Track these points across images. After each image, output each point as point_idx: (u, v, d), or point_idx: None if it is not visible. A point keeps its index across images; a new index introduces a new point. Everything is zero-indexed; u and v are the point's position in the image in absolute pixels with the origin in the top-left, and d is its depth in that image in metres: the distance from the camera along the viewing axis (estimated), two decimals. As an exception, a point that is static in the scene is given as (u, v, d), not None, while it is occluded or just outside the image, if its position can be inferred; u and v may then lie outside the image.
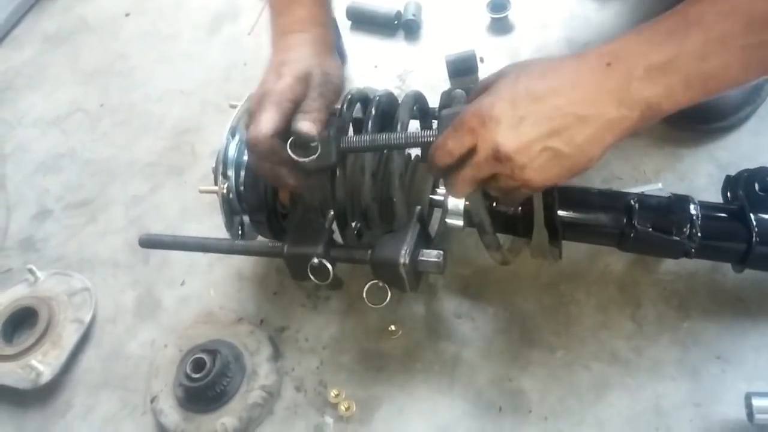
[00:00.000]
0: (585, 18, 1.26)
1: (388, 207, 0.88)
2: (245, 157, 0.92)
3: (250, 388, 0.93)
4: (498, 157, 0.68)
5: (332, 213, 0.88)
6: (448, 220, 0.87)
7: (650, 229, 0.82)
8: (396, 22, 1.34)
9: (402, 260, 0.81)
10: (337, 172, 0.88)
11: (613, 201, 0.86)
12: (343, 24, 1.35)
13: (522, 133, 0.66)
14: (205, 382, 0.91)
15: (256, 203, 0.91)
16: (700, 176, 1.02)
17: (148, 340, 1.06)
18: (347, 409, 0.90)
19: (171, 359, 0.99)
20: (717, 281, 0.92)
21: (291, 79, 0.79)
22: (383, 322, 0.97)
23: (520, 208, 0.87)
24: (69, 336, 1.06)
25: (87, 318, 1.08)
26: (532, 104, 0.66)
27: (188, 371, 0.92)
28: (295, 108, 0.78)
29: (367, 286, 0.87)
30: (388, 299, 0.85)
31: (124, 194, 1.27)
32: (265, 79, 0.82)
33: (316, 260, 0.83)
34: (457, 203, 0.86)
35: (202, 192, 0.93)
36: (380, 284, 0.85)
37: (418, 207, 0.87)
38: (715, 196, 0.96)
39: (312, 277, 0.85)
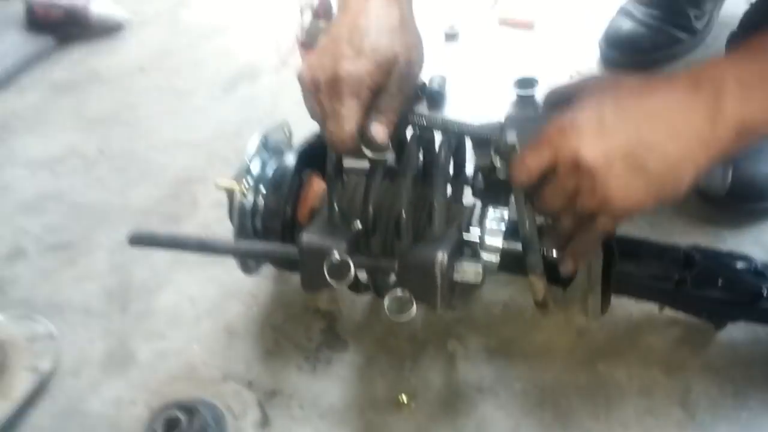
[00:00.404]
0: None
1: (422, 218, 0.78)
2: (270, 169, 0.88)
3: (231, 456, 0.78)
4: (578, 166, 0.59)
5: (358, 221, 0.76)
6: (483, 255, 0.76)
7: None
8: (419, 93, 1.31)
9: (440, 258, 0.69)
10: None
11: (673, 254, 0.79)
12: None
13: (606, 143, 0.59)
14: (178, 443, 0.76)
15: (275, 207, 0.85)
16: (747, 259, 0.93)
17: (112, 397, 0.91)
18: (346, 491, 0.75)
19: (138, 419, 0.84)
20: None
21: (372, 65, 0.67)
22: (393, 392, 0.84)
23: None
24: (21, 386, 0.91)
25: (46, 367, 0.94)
26: (618, 115, 0.59)
27: (158, 431, 0.77)
28: (372, 98, 0.68)
29: (389, 295, 0.72)
30: (413, 311, 0.71)
31: (110, 240, 1.15)
32: (337, 44, 0.68)
33: (337, 256, 0.70)
34: (494, 238, 0.76)
35: (218, 187, 0.86)
36: (405, 294, 0.72)
37: (458, 221, 0.78)
38: None
39: (329, 278, 0.71)
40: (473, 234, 0.78)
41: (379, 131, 0.68)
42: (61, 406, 0.91)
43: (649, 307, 0.87)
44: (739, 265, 0.78)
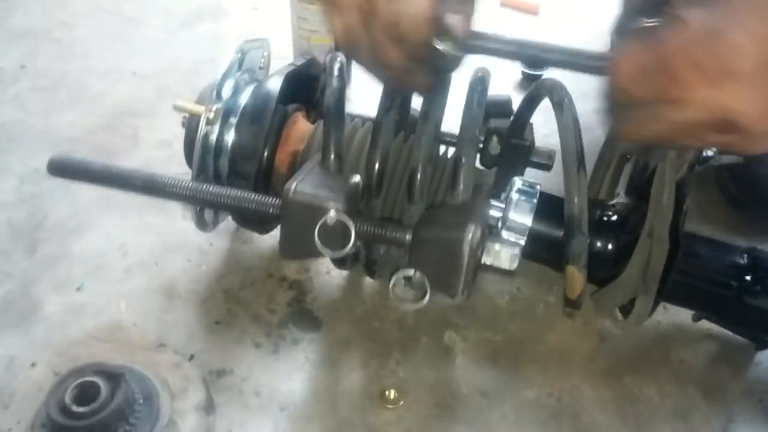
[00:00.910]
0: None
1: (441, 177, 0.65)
2: (241, 98, 0.69)
3: (163, 446, 0.58)
4: (727, 128, 0.44)
5: (359, 177, 0.61)
6: (504, 234, 0.62)
7: None
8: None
9: (470, 234, 0.53)
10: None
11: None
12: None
13: None
14: (92, 421, 0.55)
15: (251, 145, 0.68)
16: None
17: (4, 356, 0.69)
18: (315, 504, 0.56)
19: (38, 384, 0.62)
20: None
21: None
22: (375, 386, 0.67)
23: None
24: None
25: None
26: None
27: (67, 400, 0.56)
28: None
29: (395, 275, 0.55)
30: (426, 299, 0.54)
31: (22, 166, 0.92)
32: None
33: (333, 215, 0.53)
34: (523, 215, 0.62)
35: (176, 108, 0.66)
36: (417, 276, 0.55)
37: (484, 186, 0.63)
38: None
39: (320, 244, 0.53)
40: (494, 209, 0.62)
41: (457, 21, 0.51)
42: (-71, 363, 0.68)
43: (680, 317, 0.75)
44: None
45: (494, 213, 0.63)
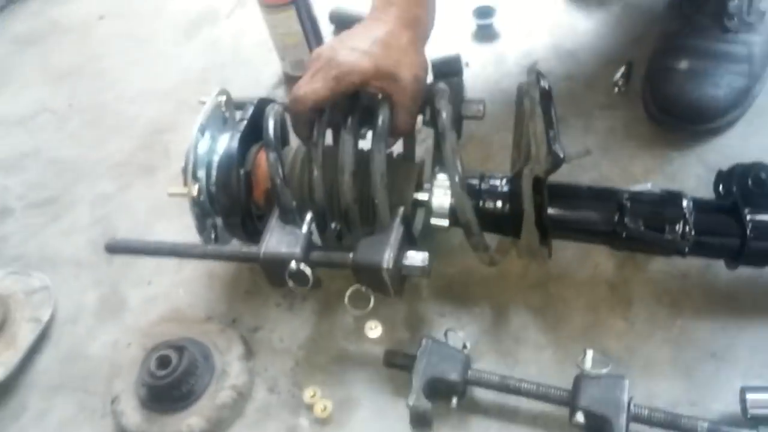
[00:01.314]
0: (571, 26, 1.26)
1: (369, 208, 0.83)
2: (216, 156, 0.88)
3: (219, 387, 0.87)
4: None
5: (310, 215, 0.84)
6: (433, 221, 0.84)
7: (642, 228, 0.80)
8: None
9: (386, 265, 0.76)
10: (314, 172, 0.83)
11: (605, 198, 0.84)
12: (326, 29, 1.33)
13: None
14: (171, 379, 0.84)
15: (229, 206, 0.87)
16: (689, 178, 1.00)
17: (110, 341, 0.99)
18: (323, 410, 0.83)
19: (134, 358, 0.92)
20: (709, 280, 0.89)
21: (371, 66, 0.79)
22: (362, 322, 0.92)
23: (507, 206, 0.84)
24: (25, 336, 0.99)
25: (45, 317, 1.01)
26: None
27: (152, 368, 0.85)
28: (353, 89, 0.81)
29: (349, 291, 0.83)
30: (371, 306, 0.82)
31: (90, 193, 1.20)
32: (351, 38, 0.83)
33: (294, 265, 0.78)
34: (442, 202, 0.83)
35: (171, 195, 0.88)
36: (363, 289, 0.81)
37: (401, 207, 0.82)
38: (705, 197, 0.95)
39: (291, 283, 0.79)
40: (424, 193, 0.84)
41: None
42: (64, 351, 0.99)
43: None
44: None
45: (424, 197, 0.85)
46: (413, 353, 0.81)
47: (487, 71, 1.23)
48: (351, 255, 0.79)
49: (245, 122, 0.88)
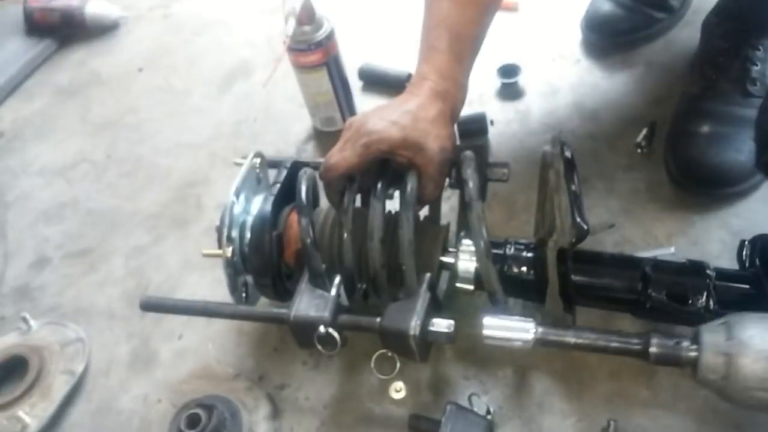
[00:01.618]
0: (594, 85, 1.28)
1: (396, 273, 0.85)
2: (249, 217, 0.92)
3: (247, 448, 0.89)
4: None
5: (339, 278, 0.86)
6: (458, 285, 0.86)
7: (665, 298, 0.81)
8: (407, 83, 1.35)
9: (412, 332, 0.78)
10: (344, 235, 0.86)
11: (629, 267, 0.85)
12: (355, 84, 1.37)
13: None
14: (200, 439, 0.86)
15: (260, 267, 0.90)
16: (712, 242, 1.00)
17: (141, 395, 1.02)
18: (348, 473, 0.85)
19: (164, 415, 0.94)
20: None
21: (399, 136, 0.83)
22: (388, 383, 0.94)
23: (531, 272, 0.85)
24: (59, 388, 1.02)
25: (79, 370, 1.04)
26: None
27: (182, 427, 0.87)
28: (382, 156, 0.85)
29: (375, 355, 0.85)
30: (396, 370, 0.85)
31: (125, 245, 1.24)
32: (382, 110, 0.87)
33: (323, 329, 0.81)
34: (467, 266, 0.86)
35: (205, 255, 0.91)
36: (389, 353, 0.83)
37: (428, 274, 0.84)
38: (728, 263, 0.95)
39: (319, 346, 0.82)
40: (450, 257, 0.87)
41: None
42: (96, 404, 1.02)
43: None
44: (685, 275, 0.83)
45: (449, 260, 0.88)
46: (438, 419, 0.83)
47: (512, 129, 1.26)
48: (378, 320, 0.82)
49: (278, 186, 0.92)
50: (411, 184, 0.84)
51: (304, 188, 0.88)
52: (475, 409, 0.84)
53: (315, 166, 0.96)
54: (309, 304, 0.84)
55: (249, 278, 0.95)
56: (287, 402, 0.96)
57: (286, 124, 1.38)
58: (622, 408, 0.87)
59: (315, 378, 0.98)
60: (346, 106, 1.30)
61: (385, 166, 0.87)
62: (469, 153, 0.88)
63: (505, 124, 1.26)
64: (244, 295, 0.95)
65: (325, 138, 1.32)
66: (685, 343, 0.73)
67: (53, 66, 1.70)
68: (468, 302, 0.97)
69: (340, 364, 0.98)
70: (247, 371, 1.00)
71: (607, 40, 1.33)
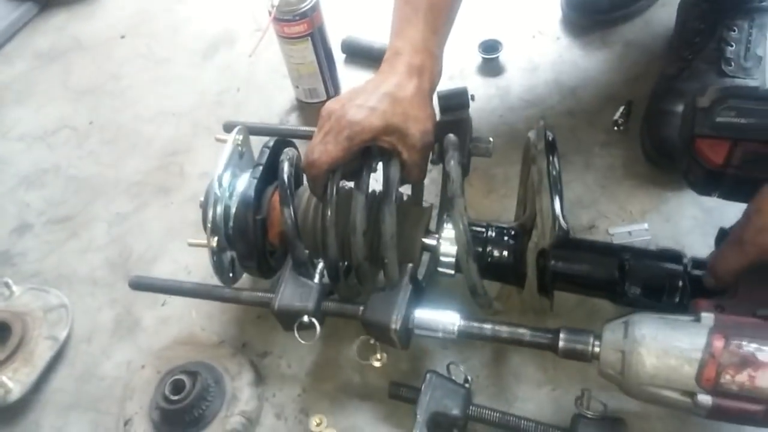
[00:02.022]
0: (573, 63, 1.30)
1: (380, 261, 0.86)
2: (233, 199, 0.92)
3: (230, 413, 0.91)
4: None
5: (322, 264, 0.87)
6: (439, 268, 0.87)
7: (640, 292, 0.81)
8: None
9: (394, 326, 0.80)
10: (327, 228, 0.85)
11: (607, 256, 0.85)
12: (338, 57, 1.37)
13: None
14: (184, 404, 0.88)
15: (246, 251, 0.91)
16: (684, 219, 1.04)
17: (124, 361, 1.03)
18: (329, 437, 0.88)
19: (148, 381, 0.96)
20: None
21: (381, 123, 0.81)
22: (368, 351, 0.96)
23: (512, 256, 0.86)
24: (42, 353, 1.03)
25: (62, 335, 1.05)
26: None
27: (166, 393, 0.89)
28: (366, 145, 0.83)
29: (357, 341, 0.87)
30: (378, 356, 0.87)
31: (107, 212, 1.25)
32: (359, 94, 0.84)
33: (306, 318, 0.83)
34: (448, 250, 0.86)
35: (191, 245, 0.92)
36: (371, 341, 0.85)
37: (410, 265, 0.86)
38: (700, 238, 0.99)
39: (297, 335, 0.85)
40: (432, 240, 0.88)
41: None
42: (79, 370, 1.03)
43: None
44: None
45: (431, 242, 0.88)
46: (418, 386, 0.85)
47: (492, 104, 1.27)
48: (361, 309, 0.84)
49: (261, 168, 0.91)
50: (392, 175, 0.83)
51: (286, 176, 0.87)
52: (454, 378, 0.87)
53: (304, 135, 0.97)
54: (293, 293, 0.86)
55: (233, 254, 0.96)
56: (270, 369, 0.98)
57: (270, 95, 1.38)
58: (596, 378, 0.90)
59: (297, 346, 0.98)
60: (330, 78, 1.30)
61: (368, 152, 0.86)
62: (452, 139, 0.87)
63: (486, 100, 1.28)
64: (231, 274, 0.96)
65: (308, 109, 1.33)
66: (590, 339, 0.76)
67: (34, 30, 1.67)
68: (449, 283, 1.00)
69: (322, 332, 0.99)
70: (230, 338, 1.02)
71: (587, 18, 1.34)
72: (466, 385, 0.86)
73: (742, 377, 0.65)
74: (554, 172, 0.81)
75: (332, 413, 0.91)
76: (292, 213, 0.85)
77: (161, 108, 1.41)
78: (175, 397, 0.89)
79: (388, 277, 0.83)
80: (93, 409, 0.98)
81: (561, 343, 0.77)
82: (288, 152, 0.92)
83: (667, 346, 0.69)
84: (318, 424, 0.89)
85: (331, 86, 1.31)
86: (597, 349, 0.75)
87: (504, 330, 0.80)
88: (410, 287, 0.83)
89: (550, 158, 0.82)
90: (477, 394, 0.90)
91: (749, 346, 0.66)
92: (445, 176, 0.86)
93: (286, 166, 0.88)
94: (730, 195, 0.82)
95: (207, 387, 0.91)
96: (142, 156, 1.33)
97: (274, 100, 1.37)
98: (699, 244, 0.98)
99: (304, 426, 0.91)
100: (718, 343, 0.67)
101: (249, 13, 1.56)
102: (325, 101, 1.30)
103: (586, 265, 0.84)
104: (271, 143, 0.94)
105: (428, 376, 0.85)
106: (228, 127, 1.08)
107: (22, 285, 1.12)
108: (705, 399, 0.67)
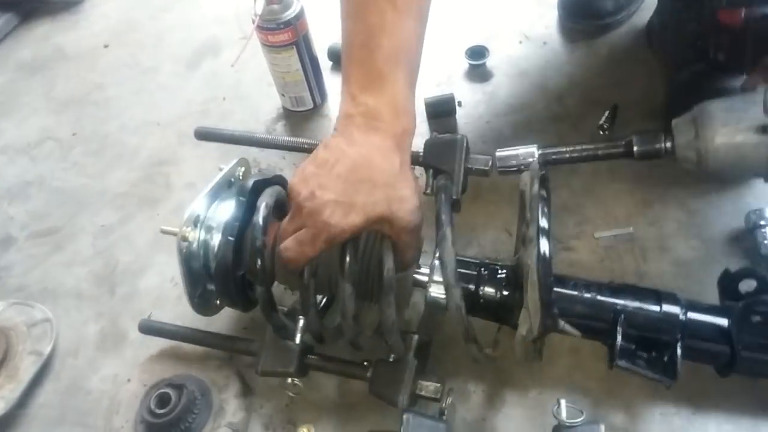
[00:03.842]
0: (559, 68, 1.30)
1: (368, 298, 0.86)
2: (214, 239, 0.89)
3: (217, 425, 0.90)
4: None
5: (303, 322, 0.87)
6: (431, 294, 0.84)
7: (634, 347, 0.80)
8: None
9: (400, 405, 0.81)
10: (309, 304, 0.83)
11: (601, 311, 0.82)
12: (324, 65, 1.37)
13: None
14: (170, 418, 0.88)
15: (230, 302, 0.93)
16: (669, 222, 1.04)
17: (110, 375, 1.02)
18: (317, 448, 0.87)
19: (134, 394, 0.95)
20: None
21: (362, 219, 0.73)
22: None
23: (506, 294, 0.84)
24: (26, 368, 1.02)
25: (47, 350, 1.04)
26: None
27: (152, 406, 0.89)
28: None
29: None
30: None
31: (92, 224, 1.24)
32: (336, 184, 0.73)
33: (289, 380, 0.85)
34: (438, 300, 0.83)
35: (163, 232, 0.92)
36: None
37: (415, 337, 0.85)
38: (683, 241, 0.99)
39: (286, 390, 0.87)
40: (423, 275, 0.86)
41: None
42: (64, 384, 1.02)
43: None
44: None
45: (423, 278, 0.86)
46: (395, 430, 0.80)
47: (479, 110, 1.27)
48: (369, 376, 0.85)
49: (236, 227, 0.87)
50: (387, 265, 0.79)
51: (260, 259, 0.83)
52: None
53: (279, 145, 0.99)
54: (275, 359, 0.87)
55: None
56: (257, 379, 0.97)
57: (256, 104, 1.38)
58: (581, 381, 0.90)
59: (284, 356, 0.99)
60: (316, 86, 1.30)
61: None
62: (447, 234, 0.78)
63: (473, 106, 1.28)
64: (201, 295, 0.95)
65: (294, 118, 1.33)
66: (661, 137, 0.92)
67: (15, 41, 1.67)
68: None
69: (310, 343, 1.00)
70: (217, 350, 1.01)
71: (583, 24, 1.34)
72: (444, 418, 0.82)
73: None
74: (545, 222, 0.76)
75: (320, 424, 0.91)
76: (266, 291, 0.84)
77: (146, 118, 1.40)
78: (161, 411, 0.88)
79: (394, 353, 0.84)
80: (79, 424, 0.97)
81: (635, 147, 0.91)
82: (262, 210, 0.84)
83: (732, 102, 0.85)
84: (306, 435, 0.88)
85: (318, 94, 1.31)
86: (669, 144, 0.90)
87: (580, 149, 0.96)
88: (415, 362, 0.84)
89: (543, 205, 0.78)
90: (463, 400, 0.90)
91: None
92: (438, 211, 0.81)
93: (260, 256, 0.83)
94: (758, 57, 0.94)
95: (193, 399, 0.90)
96: (127, 167, 1.32)
97: (260, 109, 1.37)
98: (683, 247, 0.98)
99: (292, 437, 0.90)
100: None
101: (234, 22, 1.55)
102: (311, 109, 1.31)
103: (583, 319, 0.82)
104: (250, 185, 0.89)
105: (405, 417, 0.79)
106: (199, 134, 1.08)
107: (5, 300, 1.11)
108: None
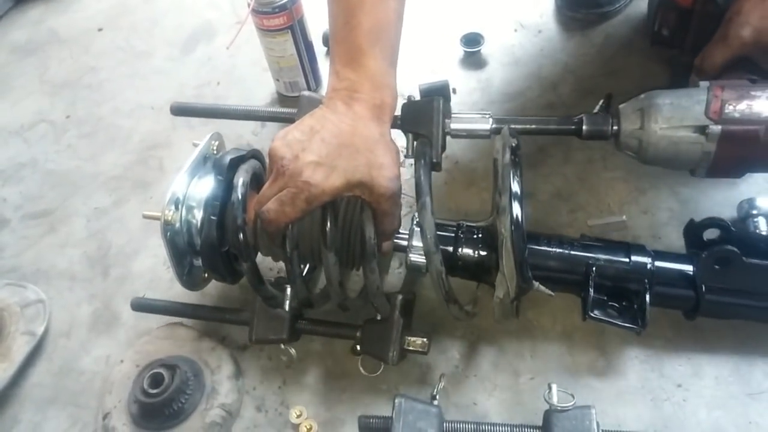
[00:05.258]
0: (553, 56, 1.30)
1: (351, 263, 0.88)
2: (196, 215, 0.90)
3: (209, 406, 0.90)
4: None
5: (290, 291, 0.89)
6: (411, 258, 0.87)
7: (606, 299, 0.84)
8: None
9: (390, 362, 0.86)
10: (292, 270, 0.84)
11: (574, 265, 0.86)
12: (319, 50, 1.36)
13: None
14: (163, 398, 0.88)
15: (218, 276, 0.93)
16: (661, 210, 1.05)
17: (102, 355, 1.02)
18: (309, 429, 0.88)
19: (126, 375, 0.95)
20: (677, 312, 0.93)
21: (342, 182, 0.75)
22: (348, 343, 0.96)
23: (483, 254, 0.86)
24: (19, 349, 1.02)
25: (39, 331, 1.04)
26: None
27: (145, 386, 0.89)
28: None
29: (359, 359, 0.92)
30: (381, 369, 0.91)
31: (86, 207, 1.24)
32: (318, 146, 0.75)
33: (282, 346, 0.88)
34: (419, 263, 0.86)
35: (145, 217, 0.92)
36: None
37: (399, 296, 0.88)
38: (676, 230, 1.00)
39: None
40: (403, 239, 0.88)
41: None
42: (57, 365, 1.02)
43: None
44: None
45: (401, 242, 0.88)
46: (387, 415, 0.81)
47: (474, 98, 1.27)
48: (359, 336, 0.89)
49: (218, 205, 0.87)
50: (368, 234, 0.81)
51: (241, 237, 0.84)
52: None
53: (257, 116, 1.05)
54: (267, 327, 0.90)
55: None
56: (250, 361, 0.98)
57: (250, 88, 1.38)
58: (572, 366, 0.91)
59: (277, 338, 0.99)
60: (311, 71, 1.30)
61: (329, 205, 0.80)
62: (426, 203, 0.79)
63: (468, 93, 1.28)
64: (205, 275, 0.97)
65: (288, 102, 1.32)
66: (609, 120, 0.91)
67: (9, 23, 1.65)
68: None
69: (302, 325, 1.00)
70: (210, 332, 1.01)
71: (581, 12, 1.34)
72: (435, 402, 0.83)
73: (742, 106, 0.81)
74: (517, 187, 0.78)
75: (312, 405, 0.91)
76: (252, 265, 0.85)
77: (140, 101, 1.40)
78: (154, 391, 0.88)
79: (380, 313, 0.88)
80: (72, 404, 0.98)
81: (584, 127, 0.91)
82: (240, 187, 0.86)
83: (678, 97, 0.85)
84: (298, 416, 0.89)
85: (312, 79, 1.31)
86: (616, 127, 0.90)
87: (531, 122, 0.95)
88: (401, 320, 0.87)
89: (515, 172, 0.79)
90: (456, 384, 0.90)
91: (743, 87, 0.82)
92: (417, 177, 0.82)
93: (240, 219, 0.84)
94: (699, 38, 0.96)
95: (186, 380, 0.91)
96: (121, 150, 1.32)
97: (254, 94, 1.36)
98: (675, 235, 0.99)
99: (284, 418, 0.90)
100: (719, 88, 0.82)
101: (229, 6, 1.55)
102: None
103: (555, 272, 0.87)
104: (226, 163, 0.89)
105: (397, 401, 0.80)
106: (175, 109, 1.07)
107: (-2, 281, 1.11)
108: (715, 129, 0.81)
